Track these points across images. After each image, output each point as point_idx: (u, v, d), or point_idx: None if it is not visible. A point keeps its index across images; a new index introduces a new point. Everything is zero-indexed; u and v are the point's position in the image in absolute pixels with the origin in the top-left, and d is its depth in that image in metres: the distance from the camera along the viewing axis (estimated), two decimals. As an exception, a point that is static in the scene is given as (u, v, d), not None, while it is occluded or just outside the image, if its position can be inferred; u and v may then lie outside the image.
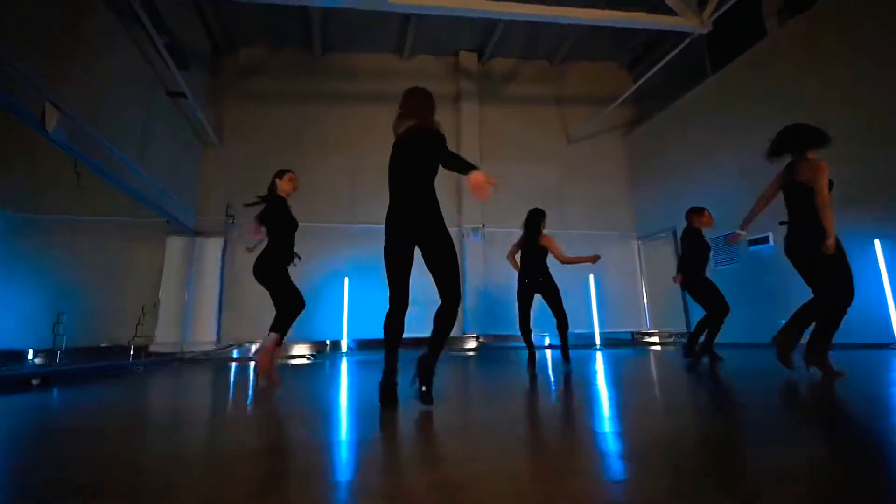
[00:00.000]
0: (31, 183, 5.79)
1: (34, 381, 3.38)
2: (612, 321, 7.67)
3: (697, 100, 7.19)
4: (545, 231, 4.22)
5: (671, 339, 7.66)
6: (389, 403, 1.99)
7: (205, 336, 6.15)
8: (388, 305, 2.14)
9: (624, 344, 7.58)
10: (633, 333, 7.87)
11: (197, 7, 6.35)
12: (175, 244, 6.29)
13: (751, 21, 6.37)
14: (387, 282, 2.12)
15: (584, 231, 8.18)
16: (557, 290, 4.03)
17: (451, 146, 7.30)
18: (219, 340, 6.25)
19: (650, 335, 7.74)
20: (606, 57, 9.12)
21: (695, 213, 4.38)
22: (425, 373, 2.02)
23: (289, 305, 3.20)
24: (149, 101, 5.23)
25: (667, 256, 7.63)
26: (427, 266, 2.11)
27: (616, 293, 7.95)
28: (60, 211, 5.95)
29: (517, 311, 4.08)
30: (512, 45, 8.45)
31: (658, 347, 6.88)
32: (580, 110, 8.77)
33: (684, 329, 7.17)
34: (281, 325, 3.14)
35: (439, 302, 2.12)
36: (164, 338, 5.97)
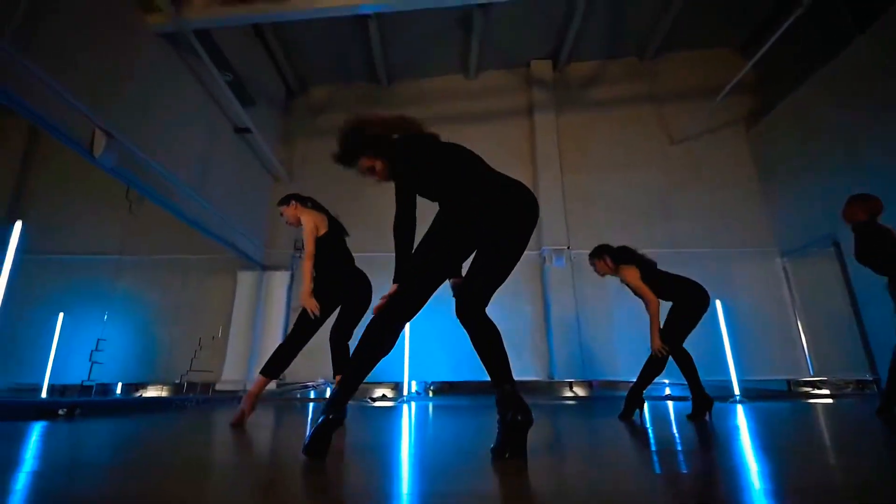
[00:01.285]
0: (125, 229, 6.28)
1: (60, 412, 3.25)
2: (756, 366, 5.79)
3: (849, 65, 5.45)
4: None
5: (849, 389, 5.50)
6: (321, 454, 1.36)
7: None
8: (400, 311, 1.55)
9: (777, 396, 5.60)
10: (788, 382, 5.81)
11: (267, 50, 6.63)
12: (245, 279, 6.28)
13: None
14: (416, 281, 1.55)
15: (702, 249, 6.55)
16: None
17: (526, 165, 6.58)
18: (282, 378, 5.94)
19: (817, 384, 5.62)
20: (714, 43, 7.69)
21: (857, 201, 3.10)
22: (521, 407, 1.40)
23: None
24: (215, 135, 5.36)
25: (829, 277, 5.65)
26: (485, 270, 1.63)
27: (758, 329, 6.07)
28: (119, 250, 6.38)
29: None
30: (590, 46, 7.53)
31: (830, 400, 4.91)
32: (685, 106, 7.40)
33: (868, 375, 5.10)
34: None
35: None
36: (229, 375, 5.83)
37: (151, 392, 5.86)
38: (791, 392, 5.72)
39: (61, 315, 5.68)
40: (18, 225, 3.34)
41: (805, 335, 5.93)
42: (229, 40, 5.18)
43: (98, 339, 5.56)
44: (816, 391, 5.62)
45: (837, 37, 5.74)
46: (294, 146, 7.35)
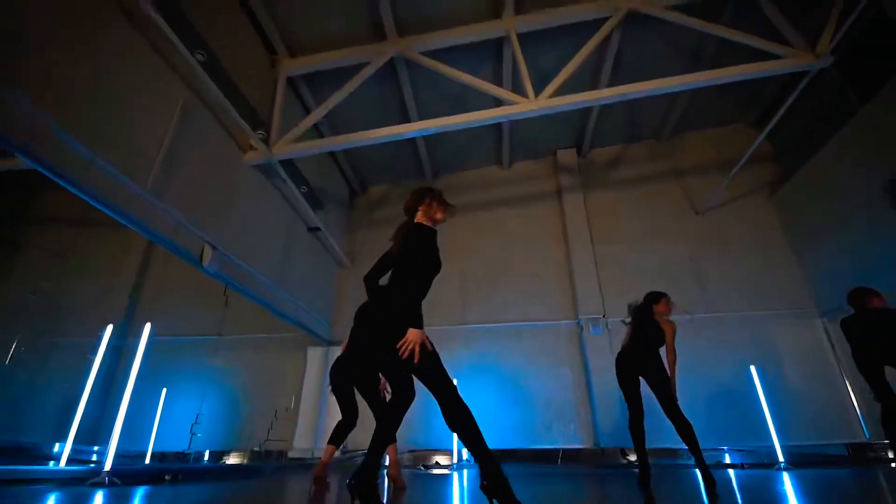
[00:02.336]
0: (221, 316, 7.48)
1: (166, 477, 3.96)
2: (802, 430, 5.70)
3: (858, 132, 5.92)
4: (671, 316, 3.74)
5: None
6: None
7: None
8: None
9: (836, 461, 5.44)
10: (847, 447, 5.63)
11: (335, 162, 8.10)
12: (314, 354, 7.16)
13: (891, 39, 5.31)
14: None
15: (737, 312, 6.75)
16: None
17: (559, 241, 7.43)
18: (345, 446, 6.52)
19: (874, 447, 5.43)
20: (729, 121, 8.38)
21: (866, 294, 3.47)
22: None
23: None
24: (292, 236, 6.57)
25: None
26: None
27: (804, 392, 6.04)
28: (215, 332, 7.51)
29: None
30: (610, 134, 8.45)
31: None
32: (707, 179, 7.91)
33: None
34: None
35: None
36: (300, 443, 6.50)
37: (233, 458, 6.62)
38: (852, 457, 5.53)
39: (164, 390, 6.70)
40: (148, 326, 4.28)
41: (856, 397, 5.82)
42: (306, 160, 6.54)
43: (197, 414, 6.53)
44: (877, 454, 5.41)
45: (843, 108, 6.24)
46: (356, 236, 8.55)
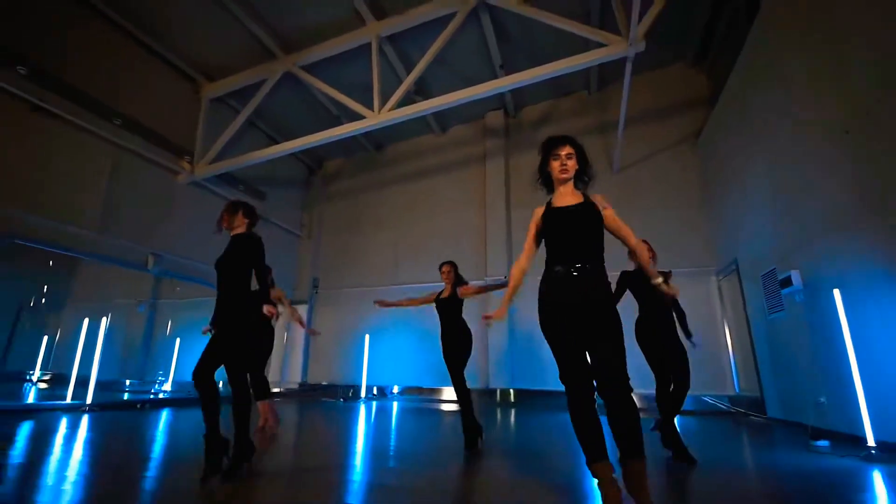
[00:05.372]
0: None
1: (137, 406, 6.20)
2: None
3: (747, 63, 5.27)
4: None
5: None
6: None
7: (295, 378, 8.72)
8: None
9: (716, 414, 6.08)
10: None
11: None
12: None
13: None
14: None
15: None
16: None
17: (480, 206, 8.40)
18: (305, 380, 8.71)
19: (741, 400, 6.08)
20: (667, 62, 7.87)
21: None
22: None
23: None
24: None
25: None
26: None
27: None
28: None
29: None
30: (539, 89, 8.46)
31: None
32: (636, 130, 7.83)
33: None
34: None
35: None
36: (272, 377, 8.81)
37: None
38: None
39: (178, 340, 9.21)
40: (85, 322, 6.42)
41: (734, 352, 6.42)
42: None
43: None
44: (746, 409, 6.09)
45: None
46: (313, 211, 10.04)
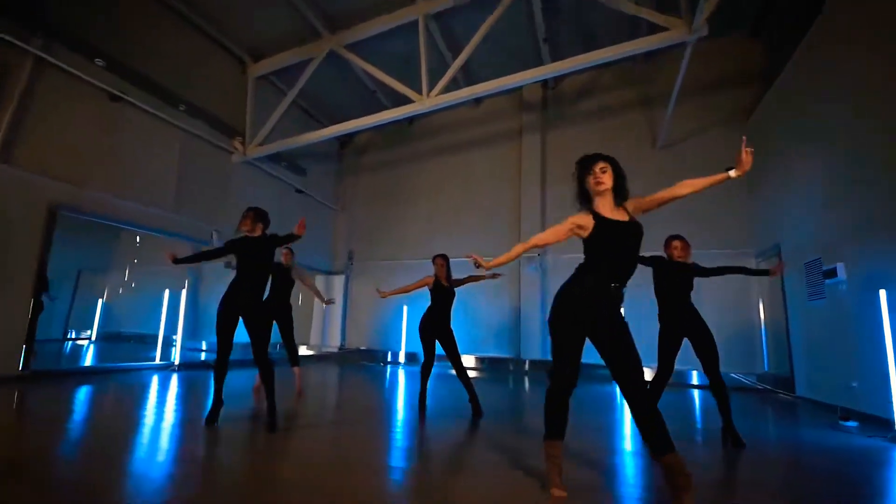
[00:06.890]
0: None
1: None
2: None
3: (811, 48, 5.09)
4: None
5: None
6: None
7: (334, 342, 9.24)
8: None
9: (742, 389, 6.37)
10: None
11: (321, 123, 9.39)
12: (319, 282, 9.58)
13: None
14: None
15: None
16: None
17: (514, 182, 9.27)
18: (343, 344, 9.22)
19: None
20: (722, 31, 7.22)
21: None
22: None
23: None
24: (284, 200, 8.45)
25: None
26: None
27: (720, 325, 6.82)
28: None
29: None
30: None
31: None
32: (682, 106, 7.41)
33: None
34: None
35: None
36: (314, 341, 9.34)
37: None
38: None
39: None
40: (167, 293, 6.83)
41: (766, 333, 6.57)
42: (289, 129, 8.02)
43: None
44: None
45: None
46: (345, 184, 10.17)
